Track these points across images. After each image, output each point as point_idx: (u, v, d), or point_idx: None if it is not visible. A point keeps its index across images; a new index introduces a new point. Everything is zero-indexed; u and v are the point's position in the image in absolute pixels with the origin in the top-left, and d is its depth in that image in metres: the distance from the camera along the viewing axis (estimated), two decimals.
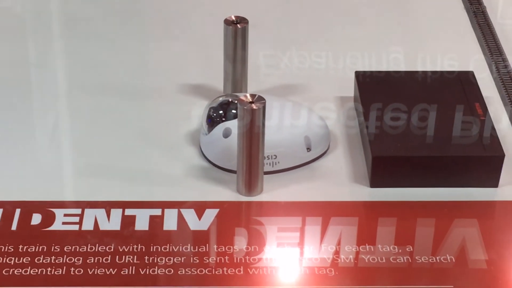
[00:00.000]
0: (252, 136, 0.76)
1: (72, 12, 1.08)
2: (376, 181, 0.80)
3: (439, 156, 0.80)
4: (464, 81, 0.88)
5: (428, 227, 0.76)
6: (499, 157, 0.79)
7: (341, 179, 0.81)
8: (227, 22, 0.86)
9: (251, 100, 0.75)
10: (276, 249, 0.73)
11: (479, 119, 0.82)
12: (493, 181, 0.80)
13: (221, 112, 0.82)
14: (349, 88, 0.90)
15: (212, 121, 0.82)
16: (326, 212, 0.77)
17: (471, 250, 0.74)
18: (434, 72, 0.91)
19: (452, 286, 0.70)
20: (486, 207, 0.78)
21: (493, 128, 0.82)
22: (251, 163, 0.77)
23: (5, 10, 1.09)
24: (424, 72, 0.91)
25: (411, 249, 0.73)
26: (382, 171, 0.80)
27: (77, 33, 1.03)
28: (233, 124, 0.79)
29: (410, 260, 0.72)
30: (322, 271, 0.71)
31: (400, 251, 0.73)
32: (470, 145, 0.80)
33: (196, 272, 0.71)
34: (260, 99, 0.75)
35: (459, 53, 0.99)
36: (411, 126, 0.82)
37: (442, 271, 0.72)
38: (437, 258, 0.73)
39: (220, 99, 0.83)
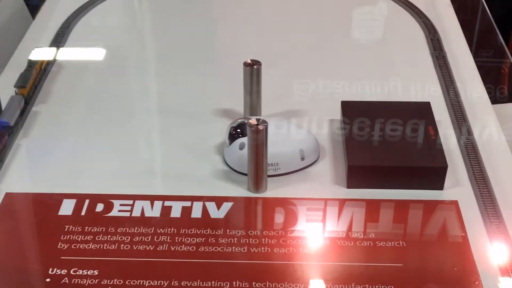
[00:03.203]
0: (258, 149, 0.74)
1: (130, 56, 1.07)
2: (351, 183, 0.78)
3: (399, 166, 0.77)
4: (422, 110, 0.85)
5: (388, 219, 0.74)
6: (443, 168, 0.77)
7: (326, 181, 0.79)
8: (246, 64, 0.85)
9: (257, 123, 0.74)
10: (269, 232, 0.72)
11: (431, 139, 0.80)
12: (439, 185, 0.77)
13: (238, 130, 0.81)
14: (336, 113, 0.88)
15: (232, 136, 0.81)
16: (313, 206, 0.76)
17: (420, 237, 0.72)
18: (400, 102, 0.89)
19: (402, 264, 0.69)
20: (434, 204, 0.76)
21: (440, 146, 0.79)
22: (257, 168, 0.76)
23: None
24: (393, 102, 0.89)
25: (373, 236, 0.72)
26: (355, 176, 0.77)
27: (133, 72, 1.02)
28: (246, 139, 0.78)
29: (372, 244, 0.71)
30: (304, 250, 0.70)
31: (365, 236, 0.71)
32: (423, 158, 0.78)
33: (211, 250, 0.70)
34: (264, 122, 0.73)
35: (423, 86, 0.96)
36: (380, 143, 0.80)
37: (395, 252, 0.70)
38: (393, 243, 0.71)
39: (239, 120, 0.82)
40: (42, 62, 0.98)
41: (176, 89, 0.97)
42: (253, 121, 0.74)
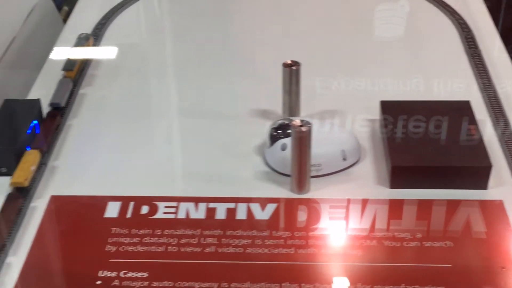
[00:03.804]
0: (301, 150, 0.75)
1: (166, 57, 1.07)
2: (394, 183, 0.78)
3: (443, 166, 0.77)
4: (462, 109, 0.85)
5: (433, 219, 0.74)
6: (488, 167, 0.77)
7: (368, 182, 0.79)
8: (285, 65, 0.85)
9: (300, 124, 0.74)
10: (315, 233, 0.72)
11: (473, 138, 0.80)
12: (483, 185, 0.77)
13: (279, 131, 0.81)
14: (373, 112, 0.88)
15: (273, 137, 0.81)
16: (358, 206, 0.75)
17: (467, 237, 0.72)
18: (439, 101, 0.89)
19: (451, 265, 0.68)
20: (479, 204, 0.75)
21: (483, 145, 0.79)
22: (301, 169, 0.76)
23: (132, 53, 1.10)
24: (432, 101, 0.88)
25: (420, 236, 0.71)
26: (398, 176, 0.77)
27: (170, 73, 1.03)
28: (288, 140, 0.78)
29: (419, 244, 0.71)
30: (352, 251, 0.70)
31: (411, 237, 0.71)
32: (466, 157, 0.77)
33: (259, 251, 0.70)
34: (307, 123, 0.74)
35: (459, 84, 0.96)
36: (422, 142, 0.80)
37: (443, 252, 0.70)
38: (440, 243, 0.71)
39: (279, 121, 0.82)
40: (87, 45, 1.03)
41: (212, 90, 0.97)
42: (296, 122, 0.74)
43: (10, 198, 0.75)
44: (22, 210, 0.74)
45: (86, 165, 0.83)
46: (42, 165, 0.80)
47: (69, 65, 0.96)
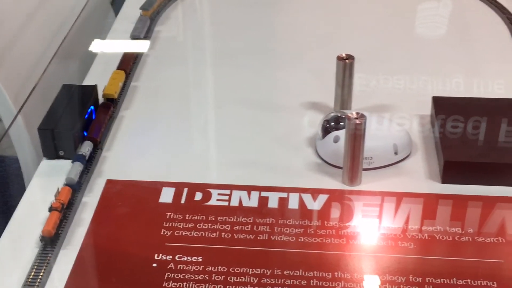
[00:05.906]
0: (355, 142, 0.75)
1: (222, 47, 1.08)
2: (446, 178, 0.78)
3: (496, 162, 0.77)
4: None
5: (485, 215, 0.74)
6: None
7: (419, 176, 0.79)
8: (339, 58, 0.85)
9: (355, 116, 0.74)
10: (367, 224, 0.72)
11: None
12: None
13: (332, 123, 0.81)
14: (424, 108, 0.88)
15: (326, 130, 0.81)
16: (409, 200, 0.76)
17: None
18: (491, 99, 0.88)
19: (503, 260, 0.68)
20: None
21: None
22: (354, 162, 0.76)
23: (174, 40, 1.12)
24: (484, 98, 0.88)
25: (472, 231, 0.72)
26: (450, 171, 0.77)
27: (225, 63, 1.04)
28: (341, 133, 0.79)
29: (470, 239, 0.71)
30: (403, 244, 0.70)
31: (463, 232, 0.71)
32: None
33: (311, 240, 0.71)
34: (362, 116, 0.74)
35: (510, 82, 0.96)
36: (474, 138, 0.80)
37: (495, 248, 0.70)
38: (492, 239, 0.71)
39: (332, 114, 0.83)
40: None
41: (265, 81, 0.98)
42: (352, 114, 0.74)
43: (103, 107, 0.88)
44: (112, 116, 0.88)
45: (138, 151, 0.85)
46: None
47: (147, 4, 1.10)
